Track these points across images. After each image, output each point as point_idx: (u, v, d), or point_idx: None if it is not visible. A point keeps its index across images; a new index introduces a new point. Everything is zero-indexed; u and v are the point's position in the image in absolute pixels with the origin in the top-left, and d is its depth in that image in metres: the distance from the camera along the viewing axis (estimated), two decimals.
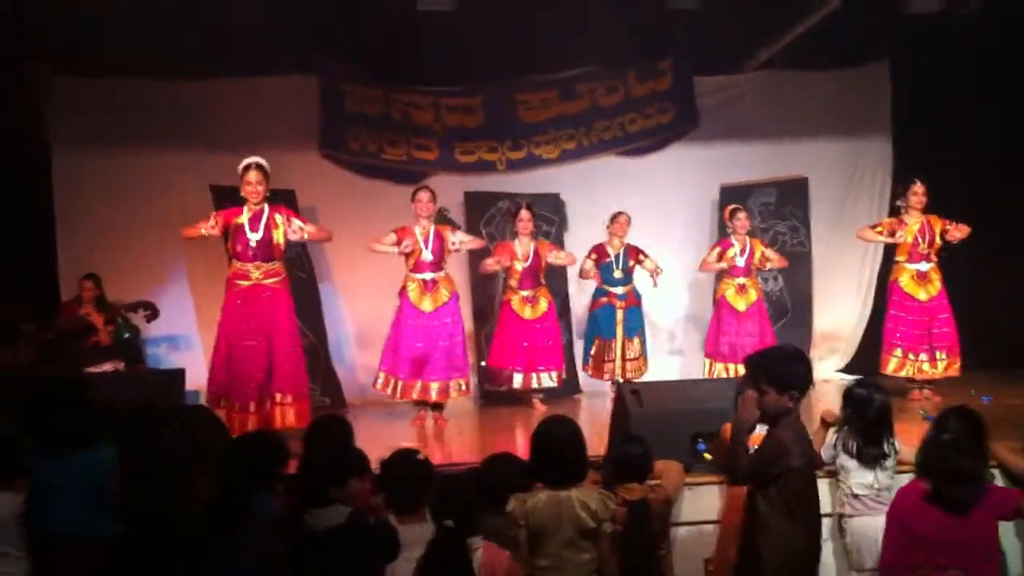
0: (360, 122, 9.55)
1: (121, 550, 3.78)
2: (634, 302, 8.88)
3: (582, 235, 9.22)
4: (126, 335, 7.99)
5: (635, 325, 8.85)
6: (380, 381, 7.80)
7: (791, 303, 9.57)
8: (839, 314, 9.87)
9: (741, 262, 8.60)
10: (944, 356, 8.00)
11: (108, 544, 3.90)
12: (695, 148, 9.92)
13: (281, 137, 9.13)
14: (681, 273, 9.75)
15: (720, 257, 8.70)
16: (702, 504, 5.05)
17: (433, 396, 7.66)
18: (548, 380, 8.35)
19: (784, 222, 9.64)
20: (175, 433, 4.34)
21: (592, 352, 8.86)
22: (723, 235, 9.03)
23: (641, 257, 8.83)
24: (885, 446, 4.69)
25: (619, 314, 8.77)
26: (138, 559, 3.67)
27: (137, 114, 8.92)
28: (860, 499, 4.65)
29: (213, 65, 8.78)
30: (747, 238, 8.71)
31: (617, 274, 8.81)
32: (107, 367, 7.63)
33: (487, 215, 9.56)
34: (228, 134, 8.94)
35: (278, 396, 6.81)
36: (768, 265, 8.72)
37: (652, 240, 9.18)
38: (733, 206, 8.86)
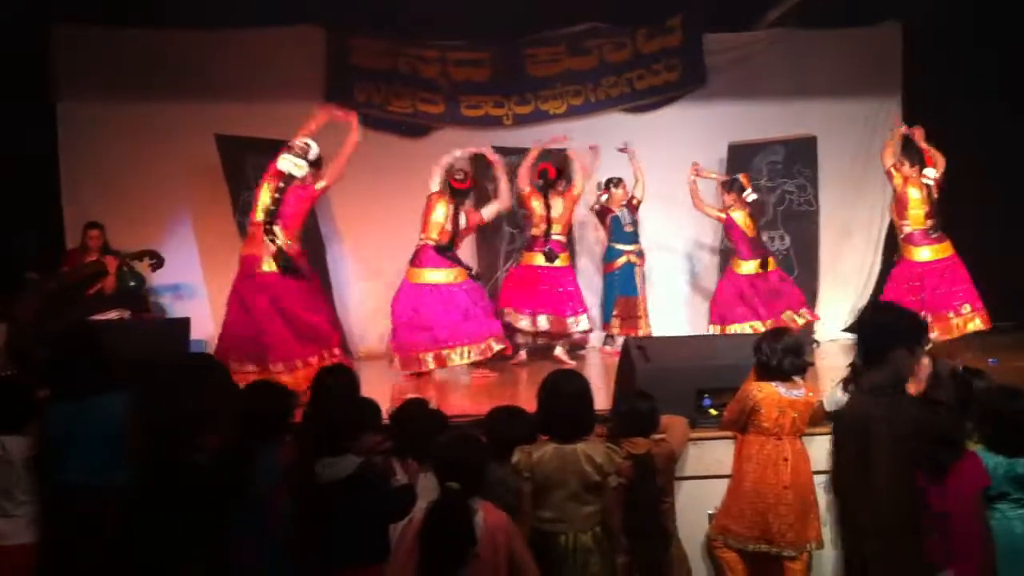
0: (366, 75, 9.47)
1: (130, 498, 3.80)
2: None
3: (587, 191, 9.17)
4: (131, 284, 7.99)
5: (642, 282, 8.90)
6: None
7: (797, 262, 9.55)
8: (846, 273, 9.83)
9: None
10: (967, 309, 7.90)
11: (121, 491, 3.92)
12: (703, 106, 9.83)
13: (286, 88, 9.06)
14: (686, 231, 9.77)
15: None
16: (706, 459, 5.07)
17: None
18: (578, 324, 8.32)
19: (792, 181, 9.58)
20: (181, 382, 4.35)
21: (615, 312, 8.80)
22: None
23: (634, 200, 8.86)
24: None
25: (638, 272, 8.82)
26: (147, 508, 3.69)
27: (142, 64, 8.85)
28: None
29: (218, 15, 8.67)
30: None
31: (628, 228, 8.82)
32: (112, 315, 7.63)
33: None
34: (233, 84, 8.93)
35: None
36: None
37: (658, 198, 9.13)
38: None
